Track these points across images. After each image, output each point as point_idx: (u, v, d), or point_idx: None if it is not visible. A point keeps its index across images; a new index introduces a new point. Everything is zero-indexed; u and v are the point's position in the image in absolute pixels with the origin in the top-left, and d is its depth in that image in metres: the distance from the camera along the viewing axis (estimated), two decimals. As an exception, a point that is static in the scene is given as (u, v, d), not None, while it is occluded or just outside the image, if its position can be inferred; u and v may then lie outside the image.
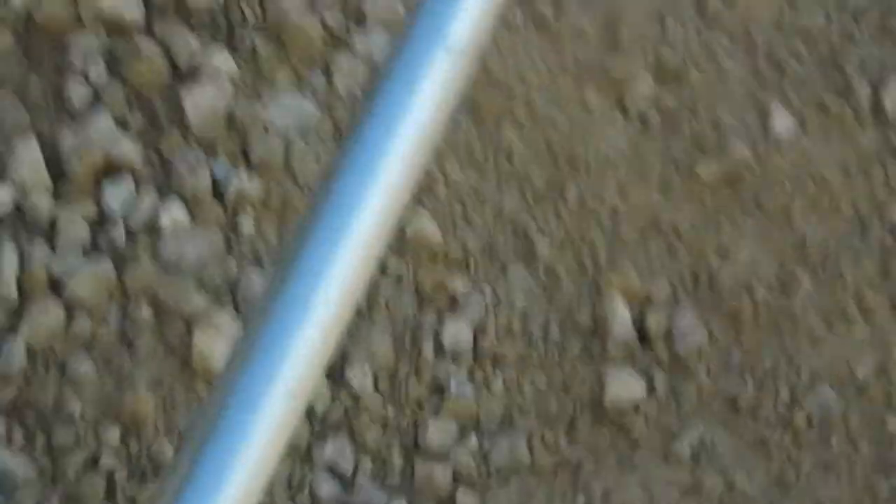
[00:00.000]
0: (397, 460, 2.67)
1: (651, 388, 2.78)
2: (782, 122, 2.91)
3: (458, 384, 2.71)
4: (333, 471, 2.63)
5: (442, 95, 0.74)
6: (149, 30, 2.77)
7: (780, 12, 3.00)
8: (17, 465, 2.49)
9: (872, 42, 3.00)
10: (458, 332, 2.74)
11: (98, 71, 2.71)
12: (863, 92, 2.91)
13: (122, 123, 2.69)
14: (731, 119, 2.92)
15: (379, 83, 0.75)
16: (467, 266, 2.79)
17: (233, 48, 2.79)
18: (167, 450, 2.53)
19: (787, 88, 2.94)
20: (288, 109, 2.76)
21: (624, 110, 2.91)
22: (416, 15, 0.74)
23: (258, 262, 2.68)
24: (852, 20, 3.01)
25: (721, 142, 2.90)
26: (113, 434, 2.53)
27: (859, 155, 2.91)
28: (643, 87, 2.91)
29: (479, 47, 0.76)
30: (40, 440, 2.52)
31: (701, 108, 2.92)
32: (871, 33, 3.00)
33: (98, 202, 2.65)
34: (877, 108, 2.91)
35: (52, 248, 2.59)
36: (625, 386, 2.76)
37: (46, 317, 2.56)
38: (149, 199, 2.67)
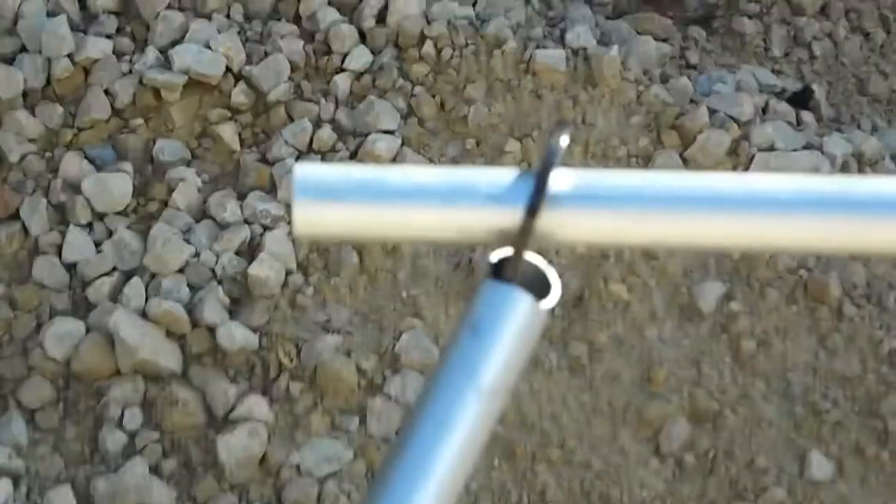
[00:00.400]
0: None
1: None
2: (820, 466, 2.88)
3: None
4: None
5: (473, 436, 0.75)
6: (185, 377, 2.82)
7: (815, 357, 3.02)
8: None
9: (909, 388, 3.00)
10: None
11: (133, 417, 2.74)
12: (901, 437, 2.89)
13: (155, 469, 2.69)
14: (767, 462, 2.89)
15: (410, 422, 0.75)
16: None
17: (268, 394, 2.82)
18: None
19: (824, 433, 2.93)
20: (321, 452, 2.76)
21: (659, 452, 2.89)
22: (447, 355, 0.75)
23: None
24: (888, 366, 3.01)
25: (757, 485, 2.87)
26: None
27: (900, 499, 2.87)
28: (678, 429, 2.91)
29: (510, 389, 0.76)
30: None
31: (737, 451, 2.90)
32: (906, 379, 3.01)
33: (131, 547, 2.62)
34: (915, 453, 2.89)
35: None
36: None
37: None
38: (182, 542, 2.64)
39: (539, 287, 0.76)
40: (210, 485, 2.69)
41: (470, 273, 3.02)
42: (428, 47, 3.29)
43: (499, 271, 0.76)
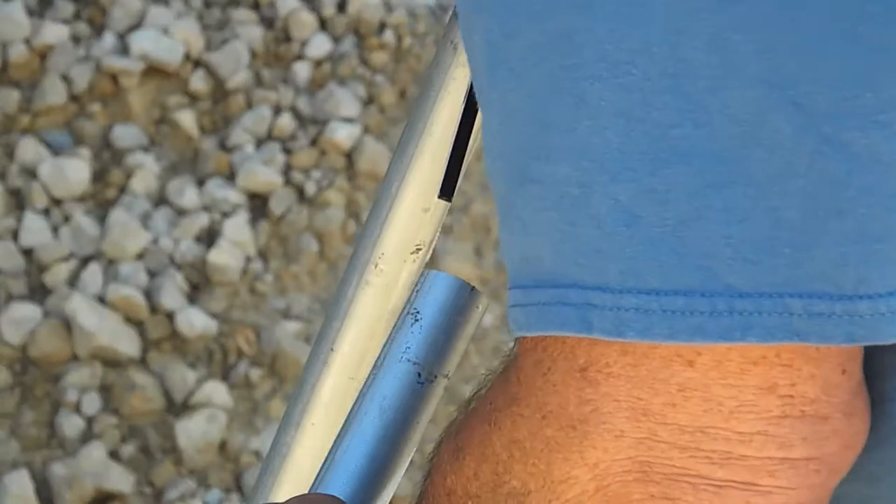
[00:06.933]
0: None
1: None
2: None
3: None
4: None
5: (412, 420, 0.75)
6: (143, 362, 2.82)
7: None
8: None
9: None
10: None
11: (91, 402, 2.74)
12: None
13: (113, 454, 2.69)
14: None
15: (352, 408, 0.76)
16: None
17: (227, 379, 2.82)
18: None
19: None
20: (280, 439, 2.76)
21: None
22: (388, 341, 0.76)
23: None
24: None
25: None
26: None
27: None
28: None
29: (449, 375, 0.77)
30: None
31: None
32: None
33: (88, 533, 2.62)
34: None
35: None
36: None
37: None
38: (139, 529, 2.64)
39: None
40: (168, 470, 2.69)
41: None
42: (388, 35, 3.30)
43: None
